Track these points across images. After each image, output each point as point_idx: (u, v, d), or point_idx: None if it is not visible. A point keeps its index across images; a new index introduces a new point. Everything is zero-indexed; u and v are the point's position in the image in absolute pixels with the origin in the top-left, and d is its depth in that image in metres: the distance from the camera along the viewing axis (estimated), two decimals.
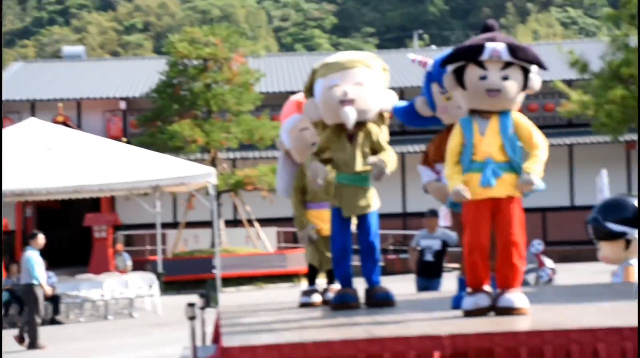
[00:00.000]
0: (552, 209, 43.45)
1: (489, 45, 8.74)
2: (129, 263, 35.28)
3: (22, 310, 27.37)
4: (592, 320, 7.96)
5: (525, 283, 16.31)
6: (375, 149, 10.22)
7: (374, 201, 10.36)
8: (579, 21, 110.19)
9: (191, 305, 10.26)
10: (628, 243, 13.27)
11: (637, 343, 7.27)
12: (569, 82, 25.84)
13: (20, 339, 25.92)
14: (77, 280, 30.30)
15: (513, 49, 8.67)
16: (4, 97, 46.97)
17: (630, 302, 9.13)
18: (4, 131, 31.53)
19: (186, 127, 37.41)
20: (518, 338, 7.58)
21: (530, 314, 8.73)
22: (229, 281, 35.58)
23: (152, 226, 36.01)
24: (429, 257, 19.02)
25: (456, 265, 16.98)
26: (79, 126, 42.25)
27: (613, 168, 35.22)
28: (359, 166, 10.28)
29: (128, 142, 37.44)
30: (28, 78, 53.35)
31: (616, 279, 13.38)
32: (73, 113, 47.41)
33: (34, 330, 25.46)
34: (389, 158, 10.12)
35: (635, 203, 14.43)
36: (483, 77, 8.66)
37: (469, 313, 8.65)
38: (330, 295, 11.24)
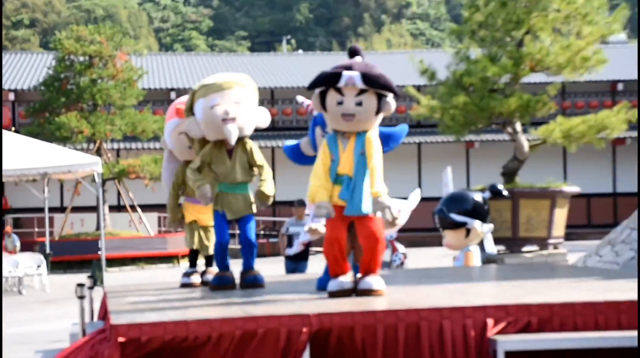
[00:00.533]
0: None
1: (346, 73, 8.99)
2: (18, 243, 33.82)
3: None
4: (439, 300, 8.10)
5: (383, 266, 16.48)
6: (251, 162, 10.56)
7: (252, 206, 10.60)
8: (426, 33, 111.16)
9: (81, 285, 10.47)
10: (468, 231, 13.93)
11: (478, 320, 7.69)
12: (419, 88, 26.04)
13: None
14: None
15: (367, 77, 9.15)
16: None
17: (470, 284, 10.11)
18: None
19: (73, 119, 36.75)
20: (376, 316, 7.72)
21: (387, 295, 8.94)
22: (112, 262, 35.07)
23: (40, 210, 35.38)
24: (296, 242, 18.72)
25: (320, 249, 17.46)
26: None
27: (455, 165, 36.18)
28: (239, 177, 10.67)
29: (17, 131, 36.82)
30: None
31: (458, 263, 14.06)
32: None
33: None
34: (267, 172, 10.59)
35: (475, 197, 14.92)
36: (340, 103, 8.82)
37: (333, 295, 8.78)
38: (209, 276, 11.53)
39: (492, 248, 17.06)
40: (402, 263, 17.55)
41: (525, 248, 17.96)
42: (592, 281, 10.53)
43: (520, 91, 17.90)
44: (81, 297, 10.34)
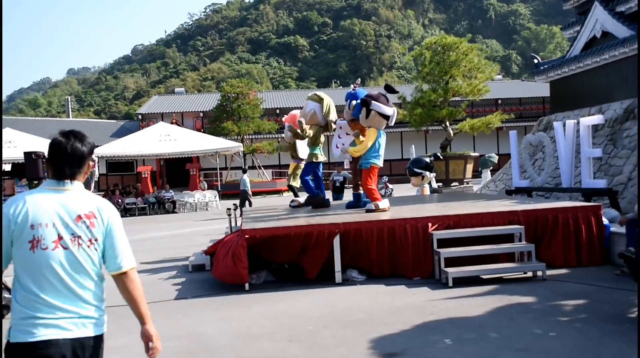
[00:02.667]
0: (392, 161, 43.43)
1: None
2: (205, 185, 34.75)
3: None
4: (405, 213, 9.59)
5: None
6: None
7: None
8: (404, 75, 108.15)
9: (228, 208, 11.71)
10: (422, 177, 15.35)
11: (424, 223, 9.15)
12: (400, 105, 25.76)
13: None
14: (183, 193, 29.06)
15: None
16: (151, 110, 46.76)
17: (422, 204, 11.60)
18: (156, 125, 31.46)
19: (230, 124, 38.12)
20: (371, 223, 9.29)
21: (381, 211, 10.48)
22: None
23: (215, 169, 36.28)
24: (337, 184, 19.29)
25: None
26: (181, 125, 42.63)
27: (417, 143, 37.20)
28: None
29: (204, 132, 38.64)
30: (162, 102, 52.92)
31: (418, 193, 15.47)
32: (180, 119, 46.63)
33: None
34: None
35: (426, 159, 16.32)
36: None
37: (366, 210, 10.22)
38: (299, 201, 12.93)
39: (434, 185, 18.58)
40: (390, 194, 19.04)
41: (452, 184, 18.99)
42: (481, 201, 11.95)
43: (448, 106, 18.76)
44: (229, 214, 11.93)
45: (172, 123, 37.90)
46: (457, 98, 19.36)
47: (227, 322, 7.25)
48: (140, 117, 45.90)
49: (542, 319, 6.60)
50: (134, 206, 27.00)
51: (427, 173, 16.99)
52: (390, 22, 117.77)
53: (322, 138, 12.09)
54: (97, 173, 25.77)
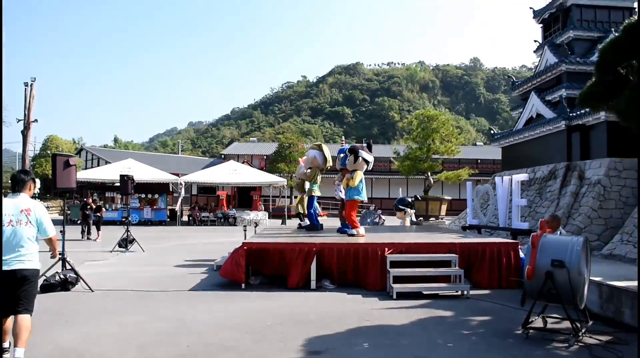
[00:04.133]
0: (382, 198, 41.58)
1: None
2: (263, 207, 33.34)
3: None
4: (373, 239, 8.92)
5: (368, 224, 16.86)
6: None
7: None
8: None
9: (244, 225, 11.11)
10: (405, 212, 14.55)
11: (382, 248, 8.37)
12: (395, 158, 25.48)
13: None
14: (243, 212, 26.92)
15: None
16: (231, 152, 45.07)
17: (396, 233, 10.24)
18: (228, 163, 30.24)
19: (283, 165, 36.12)
20: (341, 245, 8.66)
21: (361, 235, 9.77)
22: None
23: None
24: None
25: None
26: (250, 164, 41.47)
27: (403, 188, 35.42)
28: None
29: (265, 171, 35.83)
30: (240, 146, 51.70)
31: (401, 224, 14.64)
32: (250, 160, 44.52)
33: None
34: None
35: (408, 199, 15.53)
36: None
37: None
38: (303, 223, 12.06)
39: (414, 218, 17.70)
40: (383, 223, 18.23)
41: (430, 219, 18.18)
42: (436, 233, 10.99)
43: (429, 161, 18.09)
44: (244, 229, 11.39)
45: (243, 162, 37.79)
46: (436, 156, 18.60)
47: (213, 312, 6.68)
48: (223, 156, 46.13)
49: (449, 331, 5.84)
50: (207, 218, 26.76)
51: (409, 209, 16.29)
52: (410, 101, 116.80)
53: (319, 177, 11.52)
54: (182, 193, 25.50)
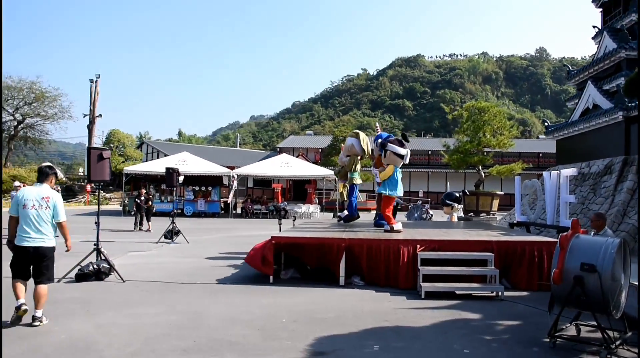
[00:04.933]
0: (438, 193, 40.71)
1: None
2: (317, 200, 33.28)
3: None
4: (409, 235, 8.48)
5: (415, 219, 16.40)
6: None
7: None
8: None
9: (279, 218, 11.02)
10: (452, 207, 14.07)
11: (413, 245, 8.11)
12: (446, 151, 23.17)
13: None
14: (296, 204, 27.83)
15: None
16: (286, 145, 45.17)
17: (428, 230, 9.94)
18: (280, 156, 30.15)
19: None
20: (370, 241, 8.30)
21: (399, 231, 9.37)
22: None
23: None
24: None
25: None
26: (305, 157, 41.40)
27: (454, 182, 34.09)
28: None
29: (319, 164, 35.22)
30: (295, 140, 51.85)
31: (448, 219, 14.19)
32: (305, 153, 44.99)
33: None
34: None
35: (456, 194, 14.99)
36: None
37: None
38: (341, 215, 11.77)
39: (461, 214, 17.07)
40: (430, 218, 17.72)
41: (481, 215, 17.50)
42: (482, 230, 10.39)
43: (480, 154, 17.36)
44: (279, 223, 11.28)
45: (298, 156, 37.93)
46: (487, 149, 17.76)
47: (232, 306, 6.61)
48: (278, 149, 46.52)
49: (470, 336, 5.43)
50: (259, 211, 27.07)
51: (456, 205, 15.66)
52: (472, 93, 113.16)
53: (359, 166, 11.24)
54: (235, 185, 25.89)
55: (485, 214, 17.41)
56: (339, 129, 39.92)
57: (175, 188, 14.85)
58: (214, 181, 26.89)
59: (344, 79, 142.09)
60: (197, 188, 26.72)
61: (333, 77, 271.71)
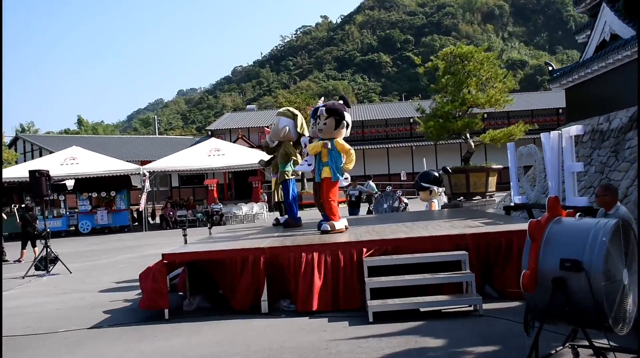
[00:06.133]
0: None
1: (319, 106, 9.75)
2: (265, 197, 32.19)
3: None
4: (352, 236, 8.39)
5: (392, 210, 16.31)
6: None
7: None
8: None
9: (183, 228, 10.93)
10: (431, 192, 13.97)
11: (358, 248, 7.94)
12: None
13: None
14: (235, 205, 28.10)
15: (327, 108, 9.33)
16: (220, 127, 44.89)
17: (433, 221, 10.12)
18: (207, 141, 30.45)
19: None
20: (311, 248, 8.21)
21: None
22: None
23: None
24: (353, 198, 17.89)
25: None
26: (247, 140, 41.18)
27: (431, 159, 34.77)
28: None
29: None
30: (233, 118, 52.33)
31: (427, 208, 14.08)
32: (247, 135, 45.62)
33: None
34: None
35: (434, 173, 14.85)
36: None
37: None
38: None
39: (445, 199, 16.94)
40: (404, 208, 17.56)
41: (474, 198, 17.38)
42: (457, 220, 10.23)
43: (465, 118, 17.14)
44: (184, 234, 10.97)
45: (237, 139, 37.45)
46: (476, 110, 17.56)
47: None
48: (210, 133, 45.85)
49: None
50: (184, 218, 26.54)
51: (435, 188, 15.43)
52: (470, 37, 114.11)
53: (297, 155, 11.05)
54: (147, 186, 25.30)
55: (479, 197, 17.30)
56: (287, 100, 39.34)
57: (47, 198, 14.22)
58: (120, 183, 26.32)
59: (298, 32, 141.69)
60: (94, 195, 26.09)
61: (284, 31, 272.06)
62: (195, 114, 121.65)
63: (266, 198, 33.11)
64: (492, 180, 17.40)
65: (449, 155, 38.13)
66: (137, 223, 27.36)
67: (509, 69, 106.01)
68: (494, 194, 17.98)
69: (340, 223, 9.52)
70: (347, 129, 9.67)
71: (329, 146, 9.58)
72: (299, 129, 10.76)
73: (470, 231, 8.19)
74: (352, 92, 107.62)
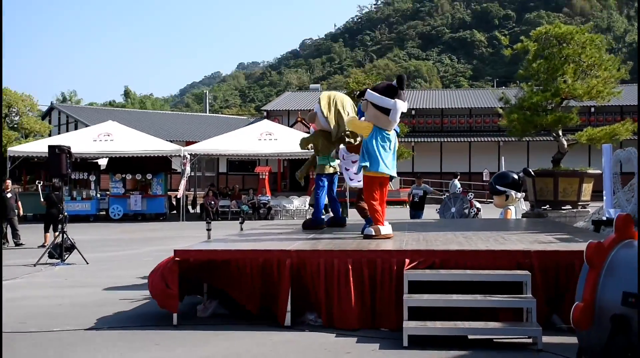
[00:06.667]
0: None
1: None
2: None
3: None
4: (397, 244, 8.25)
5: (452, 216, 16.07)
6: None
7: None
8: None
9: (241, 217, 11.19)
10: (507, 197, 13.73)
11: (400, 259, 7.70)
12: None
13: None
14: (286, 198, 29.55)
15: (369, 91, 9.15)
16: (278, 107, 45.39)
17: (502, 232, 10.16)
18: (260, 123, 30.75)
19: None
20: (345, 254, 8.05)
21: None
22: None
23: None
24: (416, 199, 17.91)
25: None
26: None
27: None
28: None
29: None
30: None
31: (501, 216, 13.85)
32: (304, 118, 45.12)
33: None
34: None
35: (513, 175, 14.56)
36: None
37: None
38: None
39: (524, 207, 16.52)
40: (476, 214, 17.19)
41: (564, 207, 16.88)
42: (536, 233, 10.14)
43: (559, 111, 16.63)
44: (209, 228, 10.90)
45: (295, 122, 37.54)
46: (573, 103, 16.99)
47: None
48: (265, 113, 46.16)
49: None
50: (227, 209, 26.85)
51: (513, 193, 15.02)
52: (586, 14, 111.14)
53: (333, 148, 10.72)
54: (188, 171, 25.72)
55: (569, 206, 16.78)
56: (355, 81, 38.92)
57: (66, 176, 14.58)
58: (158, 165, 26.85)
59: (379, 2, 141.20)
60: (129, 177, 26.75)
61: (362, 1, 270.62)
62: (255, 91, 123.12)
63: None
64: (587, 187, 16.83)
65: (543, 154, 37.30)
66: (175, 212, 27.87)
67: (632, 53, 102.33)
68: (588, 205, 17.40)
69: (386, 228, 9.32)
70: (387, 113, 8.96)
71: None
72: (324, 113, 10.22)
73: (537, 247, 7.86)
74: (436, 75, 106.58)
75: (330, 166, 10.63)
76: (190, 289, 8.76)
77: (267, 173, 32.31)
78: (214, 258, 8.25)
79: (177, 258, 8.06)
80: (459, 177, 22.57)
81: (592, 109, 41.02)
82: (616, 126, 17.07)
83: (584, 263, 4.64)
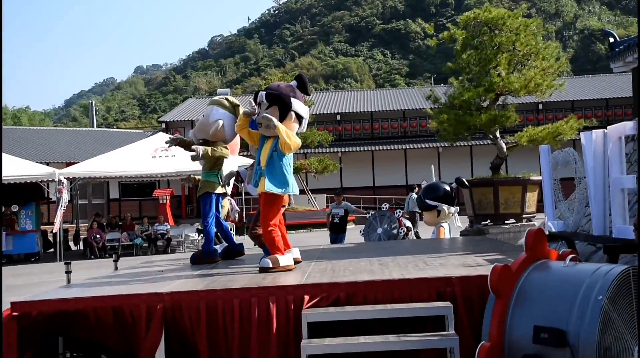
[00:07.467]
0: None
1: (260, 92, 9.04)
2: (237, 216, 33.54)
3: None
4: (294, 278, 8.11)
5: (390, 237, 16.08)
6: None
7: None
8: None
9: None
10: (439, 212, 13.74)
11: (297, 296, 7.56)
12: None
13: None
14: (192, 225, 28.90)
15: (268, 93, 8.86)
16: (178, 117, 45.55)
17: (428, 255, 9.97)
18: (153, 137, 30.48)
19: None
20: (230, 294, 7.82)
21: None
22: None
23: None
24: (336, 219, 17.79)
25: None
26: None
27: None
28: None
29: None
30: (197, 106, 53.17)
31: (433, 235, 13.88)
32: None
33: None
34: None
35: (445, 187, 14.60)
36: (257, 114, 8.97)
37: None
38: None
39: (459, 224, 16.63)
40: (406, 234, 17.16)
41: (507, 221, 17.09)
42: (472, 256, 10.32)
43: (493, 109, 16.89)
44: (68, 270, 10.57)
45: None
46: (511, 99, 17.31)
47: None
48: (164, 125, 45.75)
49: None
50: (116, 243, 26.45)
51: (445, 207, 15.00)
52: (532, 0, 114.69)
53: (230, 160, 10.74)
54: (65, 199, 25.00)
55: (513, 220, 17.00)
56: (268, 79, 39.23)
57: None
58: (26, 193, 26.00)
59: None
60: None
61: None
62: (157, 99, 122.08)
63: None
64: (532, 197, 17.09)
65: (488, 161, 38.12)
66: (52, 250, 27.16)
67: (585, 41, 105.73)
68: (534, 217, 17.66)
69: (286, 258, 9.07)
70: (300, 124, 9.18)
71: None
72: (237, 129, 10.26)
73: (460, 272, 7.74)
74: (368, 73, 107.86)
75: (219, 185, 10.43)
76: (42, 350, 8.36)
77: (168, 197, 31.87)
78: (65, 309, 7.79)
79: (14, 313, 7.62)
80: (416, 190, 22.55)
81: (540, 107, 41.92)
82: (559, 124, 17.40)
83: (490, 293, 4.51)
